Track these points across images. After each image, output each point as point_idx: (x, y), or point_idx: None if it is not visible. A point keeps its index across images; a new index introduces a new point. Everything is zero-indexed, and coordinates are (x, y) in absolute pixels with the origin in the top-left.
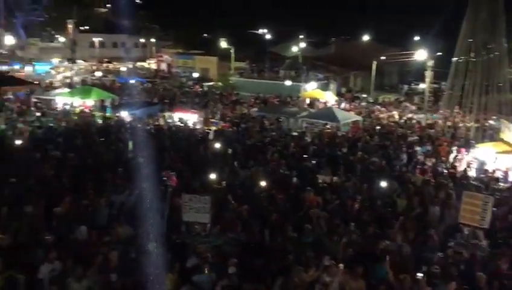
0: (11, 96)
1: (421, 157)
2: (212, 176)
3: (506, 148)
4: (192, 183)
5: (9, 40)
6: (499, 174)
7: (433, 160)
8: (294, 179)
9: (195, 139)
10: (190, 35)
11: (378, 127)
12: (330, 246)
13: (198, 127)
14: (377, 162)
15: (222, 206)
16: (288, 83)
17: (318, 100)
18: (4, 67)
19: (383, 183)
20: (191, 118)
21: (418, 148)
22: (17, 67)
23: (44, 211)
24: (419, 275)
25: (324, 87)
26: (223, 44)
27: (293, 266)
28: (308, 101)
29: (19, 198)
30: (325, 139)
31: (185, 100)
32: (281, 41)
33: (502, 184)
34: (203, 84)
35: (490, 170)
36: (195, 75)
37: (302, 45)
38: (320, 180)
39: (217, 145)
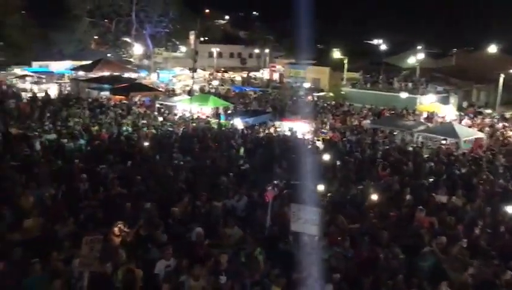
0: (138, 101)
1: None
2: (321, 188)
3: None
4: (300, 194)
5: (138, 49)
6: None
7: None
8: (408, 197)
9: (304, 149)
10: (303, 45)
11: (504, 146)
12: (450, 274)
13: (307, 137)
14: (502, 184)
15: (330, 220)
16: (404, 95)
17: (436, 114)
18: (133, 75)
19: (510, 208)
20: (300, 128)
21: None
22: (143, 74)
23: (162, 209)
24: None
25: (443, 101)
26: (336, 54)
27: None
28: (425, 114)
29: (141, 196)
30: (443, 156)
31: (296, 110)
32: (396, 52)
33: None
34: (314, 94)
35: None
36: (307, 85)
37: (420, 55)
38: (436, 200)
39: (326, 157)
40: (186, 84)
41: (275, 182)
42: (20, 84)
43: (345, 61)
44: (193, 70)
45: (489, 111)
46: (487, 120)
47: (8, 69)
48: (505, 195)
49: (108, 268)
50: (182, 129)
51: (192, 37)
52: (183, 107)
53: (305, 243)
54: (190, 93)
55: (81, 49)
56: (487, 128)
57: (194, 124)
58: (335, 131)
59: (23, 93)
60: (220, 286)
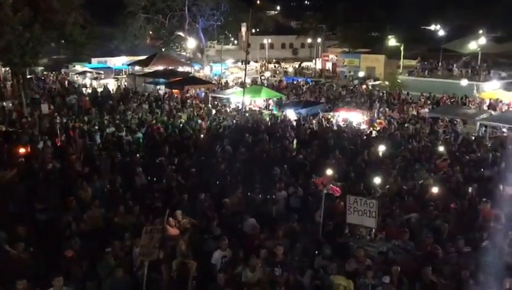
0: (192, 94)
1: None
2: (378, 180)
3: None
4: (356, 186)
5: (192, 43)
6: None
7: None
8: (471, 189)
9: (359, 140)
10: (357, 33)
11: None
12: None
13: (362, 127)
14: None
15: (388, 212)
16: (464, 82)
17: (501, 101)
18: (187, 69)
19: None
20: (355, 118)
21: None
22: (197, 68)
23: (216, 201)
24: None
25: (508, 87)
26: (392, 42)
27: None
28: (488, 102)
29: (196, 187)
30: (508, 145)
31: (350, 100)
32: (456, 37)
33: None
34: (369, 83)
35: None
36: (361, 74)
37: (482, 40)
38: (501, 192)
39: (382, 148)
40: (238, 77)
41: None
42: (80, 80)
43: (401, 48)
44: (245, 62)
45: None
46: None
47: (69, 66)
48: None
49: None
50: (235, 121)
51: (244, 29)
52: (236, 99)
53: (362, 235)
54: (242, 85)
55: (137, 45)
56: None
57: (247, 116)
58: (391, 121)
59: (83, 89)
60: (275, 277)
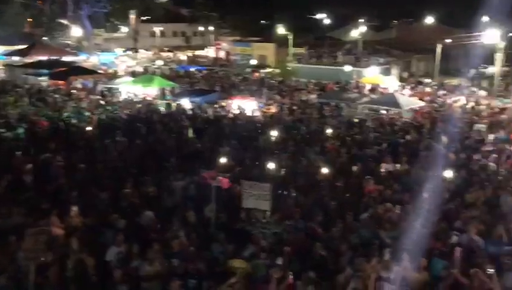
0: (79, 85)
1: (492, 145)
2: (272, 164)
3: None
4: (252, 171)
5: (76, 31)
6: None
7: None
8: (355, 167)
9: (253, 127)
10: (247, 22)
11: (443, 114)
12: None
13: (256, 114)
14: (442, 150)
15: (282, 194)
16: (347, 68)
17: (379, 86)
18: (72, 58)
19: (450, 172)
20: (249, 106)
21: (491, 136)
22: (83, 57)
23: (112, 194)
24: (491, 270)
25: (386, 72)
26: (281, 30)
27: (354, 256)
28: (369, 86)
29: (88, 182)
30: (386, 126)
31: (243, 87)
32: (340, 26)
33: None
34: (261, 71)
35: None
36: (253, 62)
37: (362, 28)
38: (382, 169)
39: (275, 133)
40: (129, 66)
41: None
42: None
43: (290, 36)
44: (134, 50)
45: (428, 80)
46: (427, 89)
47: None
48: (446, 161)
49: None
50: (126, 112)
51: (132, 17)
52: (127, 89)
53: (257, 219)
54: (133, 74)
55: (13, 33)
56: (427, 97)
57: (139, 106)
58: (282, 107)
59: None
60: (174, 269)
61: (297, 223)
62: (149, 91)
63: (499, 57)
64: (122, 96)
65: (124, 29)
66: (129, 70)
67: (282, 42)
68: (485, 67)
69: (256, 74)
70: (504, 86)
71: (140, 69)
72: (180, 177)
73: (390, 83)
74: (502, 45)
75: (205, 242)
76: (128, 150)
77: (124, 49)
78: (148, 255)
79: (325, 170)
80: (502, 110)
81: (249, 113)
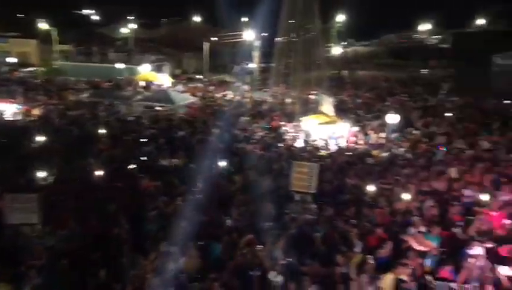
0: None
1: (260, 134)
2: (40, 172)
3: (326, 119)
4: (16, 181)
5: None
6: (321, 143)
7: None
8: (132, 166)
9: (17, 132)
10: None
11: (215, 108)
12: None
13: (18, 118)
14: (214, 142)
15: (52, 203)
16: (120, 66)
17: (153, 83)
18: None
19: (223, 162)
20: (9, 109)
21: (256, 125)
22: None
23: None
24: (260, 246)
25: (158, 70)
26: (43, 25)
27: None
28: (143, 84)
29: None
30: (162, 122)
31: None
32: (109, 23)
33: (324, 152)
34: (22, 70)
35: (314, 140)
36: (11, 60)
37: (133, 26)
38: (160, 164)
39: (43, 138)
40: None
41: None
42: None
43: (54, 32)
44: None
45: (199, 77)
46: (199, 85)
47: None
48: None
49: None
50: None
51: None
52: None
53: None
54: None
55: None
56: (199, 93)
57: None
58: (51, 108)
59: None
60: None
61: (73, 231)
62: None
63: (256, 54)
64: None
65: None
66: None
67: (46, 38)
68: (247, 64)
69: (15, 73)
70: (262, 80)
71: None
72: None
73: (164, 80)
74: (257, 43)
75: None
76: None
77: None
78: None
79: (100, 172)
80: (262, 102)
81: (9, 117)
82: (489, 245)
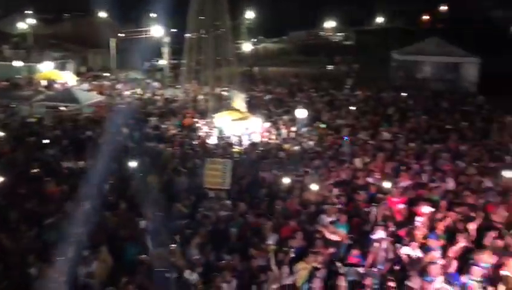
0: None
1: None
2: None
3: (239, 115)
4: None
5: None
6: (234, 139)
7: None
8: (36, 170)
9: None
10: None
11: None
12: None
13: None
14: (123, 142)
15: None
16: (17, 63)
17: (56, 81)
18: None
19: (133, 162)
20: None
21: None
22: None
23: None
24: (173, 245)
25: (62, 67)
26: None
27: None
28: (44, 82)
29: None
30: (66, 122)
31: None
32: (3, 17)
33: (237, 148)
34: None
35: (227, 136)
36: None
37: (31, 20)
38: (65, 167)
39: None
40: None
41: None
42: None
43: None
44: None
45: (106, 74)
46: (106, 83)
47: None
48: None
49: None
50: None
51: None
52: None
53: None
54: None
55: None
56: (106, 91)
57: None
58: None
59: None
60: None
61: None
62: None
63: (165, 50)
64: None
65: None
66: None
67: None
68: (157, 61)
69: None
70: (173, 77)
71: None
72: None
73: (68, 78)
74: (166, 39)
75: None
76: None
77: None
78: None
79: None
80: (174, 100)
81: None
82: (391, 229)
